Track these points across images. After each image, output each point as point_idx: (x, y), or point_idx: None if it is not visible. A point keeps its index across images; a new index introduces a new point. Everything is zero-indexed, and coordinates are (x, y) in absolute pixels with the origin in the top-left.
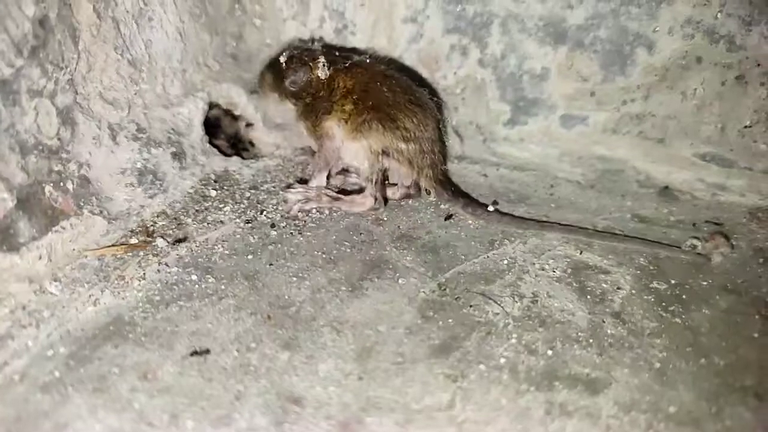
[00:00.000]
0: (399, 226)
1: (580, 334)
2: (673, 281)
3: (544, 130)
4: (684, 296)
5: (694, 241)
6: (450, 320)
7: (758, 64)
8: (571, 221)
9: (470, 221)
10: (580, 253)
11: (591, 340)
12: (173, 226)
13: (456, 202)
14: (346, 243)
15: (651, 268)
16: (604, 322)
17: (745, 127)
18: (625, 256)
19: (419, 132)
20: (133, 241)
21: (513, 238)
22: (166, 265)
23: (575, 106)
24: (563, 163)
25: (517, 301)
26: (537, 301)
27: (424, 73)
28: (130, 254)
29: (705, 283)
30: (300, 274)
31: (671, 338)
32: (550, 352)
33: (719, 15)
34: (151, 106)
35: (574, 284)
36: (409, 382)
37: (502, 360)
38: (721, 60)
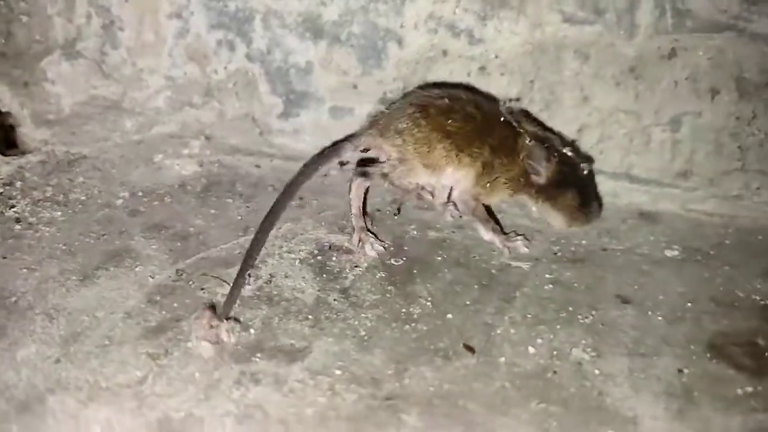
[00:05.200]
0: (154, 217)
1: (303, 309)
2: (410, 257)
3: (316, 121)
4: (415, 270)
5: None
6: (175, 303)
7: (496, 56)
8: (330, 205)
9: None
10: (331, 235)
11: (310, 315)
12: None
13: None
14: (92, 234)
15: (393, 246)
16: (329, 297)
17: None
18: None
19: None
20: None
21: None
22: None
23: (341, 98)
24: None
25: (251, 283)
26: (271, 281)
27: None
28: None
29: (440, 258)
30: (32, 267)
31: (386, 309)
32: (263, 328)
33: (457, 10)
34: None
35: (316, 265)
36: (107, 363)
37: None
38: (465, 53)
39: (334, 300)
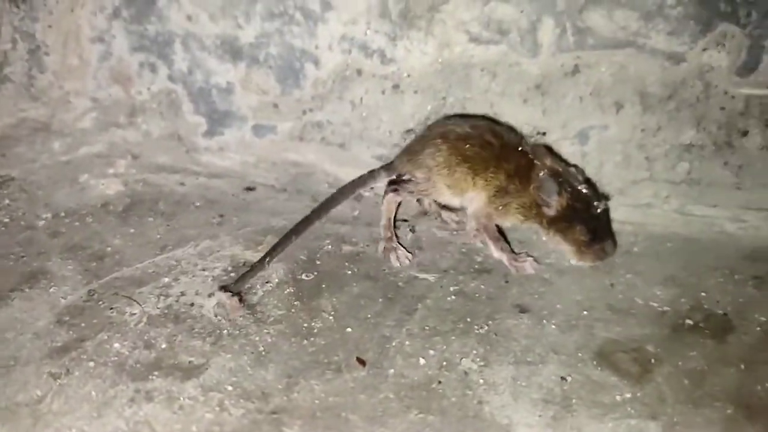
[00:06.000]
0: (73, 237)
1: (206, 326)
2: (321, 271)
3: (240, 139)
4: (324, 285)
5: None
6: (83, 324)
7: (408, 75)
8: (250, 222)
9: (151, 229)
10: (247, 252)
11: (213, 332)
12: None
13: None
14: (12, 256)
15: (306, 261)
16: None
17: (407, 131)
18: (290, 253)
19: None
20: None
21: (186, 243)
22: None
23: (263, 117)
24: (260, 170)
25: (161, 302)
26: (180, 299)
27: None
28: None
29: (350, 272)
30: None
31: (289, 324)
32: (165, 346)
33: (368, 32)
34: None
35: (229, 282)
36: (10, 383)
37: (114, 357)
38: (378, 72)
39: (240, 317)
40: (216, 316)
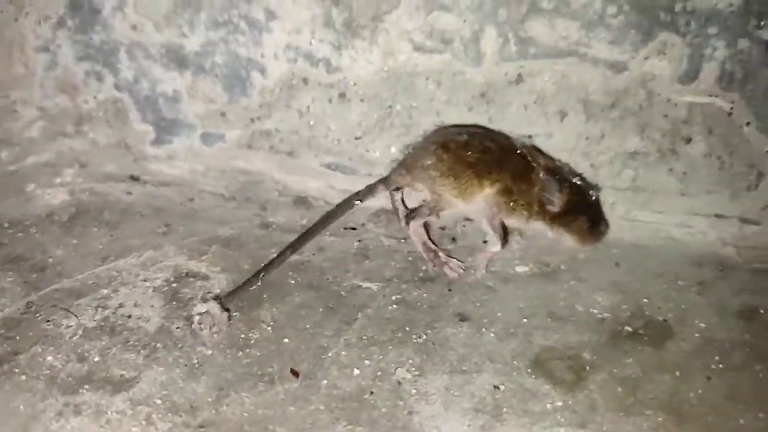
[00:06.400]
0: (16, 248)
1: (143, 338)
2: (264, 281)
3: (188, 147)
4: (266, 295)
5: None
6: (18, 336)
7: (354, 84)
8: (197, 231)
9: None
10: (191, 262)
11: (148, 344)
12: None
13: None
14: None
15: (249, 270)
16: (173, 325)
17: (356, 138)
18: (234, 262)
19: None
20: None
21: (129, 253)
22: None
23: (211, 125)
24: (208, 178)
25: (98, 314)
26: (118, 311)
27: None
28: None
29: (293, 281)
30: None
31: (226, 335)
32: (98, 359)
33: (312, 41)
34: None
35: (169, 293)
36: None
37: (47, 370)
38: (324, 80)
39: (177, 328)
40: (200, 324)
